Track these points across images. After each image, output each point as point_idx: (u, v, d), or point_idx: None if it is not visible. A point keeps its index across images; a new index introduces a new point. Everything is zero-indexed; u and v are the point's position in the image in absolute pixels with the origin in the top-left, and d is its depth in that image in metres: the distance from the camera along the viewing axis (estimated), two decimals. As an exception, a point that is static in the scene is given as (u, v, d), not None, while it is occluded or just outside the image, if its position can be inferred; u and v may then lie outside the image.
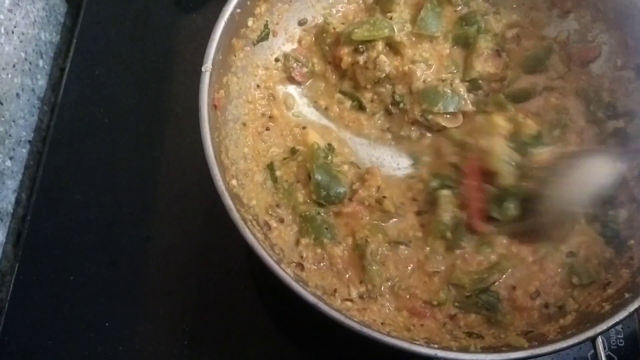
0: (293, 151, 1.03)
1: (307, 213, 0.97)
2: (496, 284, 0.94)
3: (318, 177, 0.98)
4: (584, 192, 0.87)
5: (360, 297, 0.93)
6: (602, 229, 0.97)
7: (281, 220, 0.97)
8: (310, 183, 0.98)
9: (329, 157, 1.01)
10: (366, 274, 0.93)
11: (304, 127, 1.06)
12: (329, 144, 1.04)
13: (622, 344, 1.03)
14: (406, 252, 0.96)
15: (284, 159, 1.02)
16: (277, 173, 1.00)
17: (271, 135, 1.05)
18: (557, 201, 0.89)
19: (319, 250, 0.95)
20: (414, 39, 1.07)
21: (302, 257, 0.95)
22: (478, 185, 0.94)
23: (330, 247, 0.95)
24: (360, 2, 1.12)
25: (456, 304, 0.93)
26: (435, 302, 0.92)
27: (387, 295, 0.93)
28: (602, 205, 0.97)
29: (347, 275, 0.94)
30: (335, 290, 0.93)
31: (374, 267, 0.93)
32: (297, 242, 0.96)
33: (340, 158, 1.04)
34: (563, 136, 1.01)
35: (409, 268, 0.96)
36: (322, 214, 0.98)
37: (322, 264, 0.95)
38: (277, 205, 0.98)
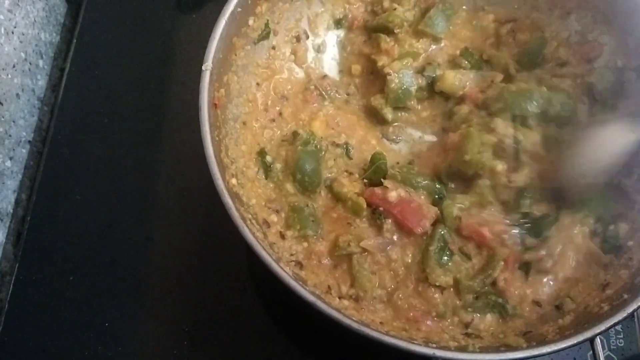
0: (295, 134, 1.03)
1: (296, 204, 0.97)
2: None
3: (301, 159, 0.98)
4: (599, 163, 0.86)
5: (352, 297, 0.93)
6: (601, 244, 0.95)
7: (276, 211, 0.97)
8: (292, 165, 0.99)
9: (320, 148, 1.02)
10: (356, 280, 0.93)
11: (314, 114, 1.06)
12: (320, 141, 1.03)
13: (621, 344, 1.03)
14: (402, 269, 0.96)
15: (283, 140, 1.02)
16: (268, 158, 1.00)
17: (273, 129, 1.05)
18: (574, 176, 0.89)
19: (305, 244, 0.95)
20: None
21: (291, 253, 0.94)
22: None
23: (313, 242, 0.96)
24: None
25: (469, 309, 0.92)
26: (434, 314, 0.92)
27: (384, 305, 0.93)
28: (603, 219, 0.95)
29: (337, 274, 0.94)
30: (329, 287, 0.93)
31: (364, 272, 0.93)
32: (282, 236, 0.95)
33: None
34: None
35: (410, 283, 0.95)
36: (310, 206, 0.98)
37: (311, 261, 0.95)
38: (271, 200, 0.98)
